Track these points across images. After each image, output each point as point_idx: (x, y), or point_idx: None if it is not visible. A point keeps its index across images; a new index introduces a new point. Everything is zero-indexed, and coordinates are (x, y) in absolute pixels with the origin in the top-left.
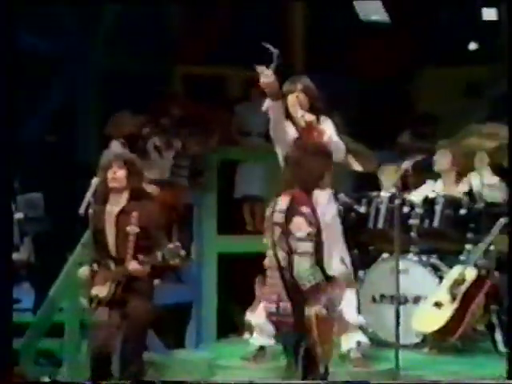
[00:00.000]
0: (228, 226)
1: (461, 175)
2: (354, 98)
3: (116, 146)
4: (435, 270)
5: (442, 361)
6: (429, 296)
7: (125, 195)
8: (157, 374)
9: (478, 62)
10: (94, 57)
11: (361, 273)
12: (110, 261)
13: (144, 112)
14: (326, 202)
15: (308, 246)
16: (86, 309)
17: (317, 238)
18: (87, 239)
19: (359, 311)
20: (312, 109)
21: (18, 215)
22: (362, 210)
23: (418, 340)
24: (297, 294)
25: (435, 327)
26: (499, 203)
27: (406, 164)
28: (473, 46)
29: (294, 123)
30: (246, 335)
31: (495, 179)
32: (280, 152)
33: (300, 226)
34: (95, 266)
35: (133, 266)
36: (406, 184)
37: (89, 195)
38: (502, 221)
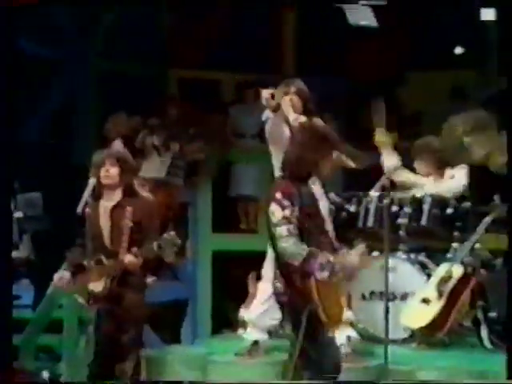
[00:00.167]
0: (222, 224)
1: (443, 172)
2: (343, 99)
3: (118, 146)
4: (423, 267)
5: (429, 355)
6: (417, 293)
7: (118, 192)
8: (153, 369)
9: (466, 66)
10: (92, 59)
11: None
12: (104, 256)
13: (141, 113)
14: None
15: (283, 230)
16: (84, 305)
17: (299, 220)
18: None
19: (350, 307)
20: (305, 110)
21: (18, 214)
22: (352, 209)
23: (406, 335)
24: (292, 273)
25: (423, 323)
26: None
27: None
28: (461, 49)
29: (288, 124)
30: (240, 331)
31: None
32: (274, 153)
33: (274, 212)
34: (92, 263)
35: (128, 258)
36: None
37: (86, 195)
38: (487, 220)
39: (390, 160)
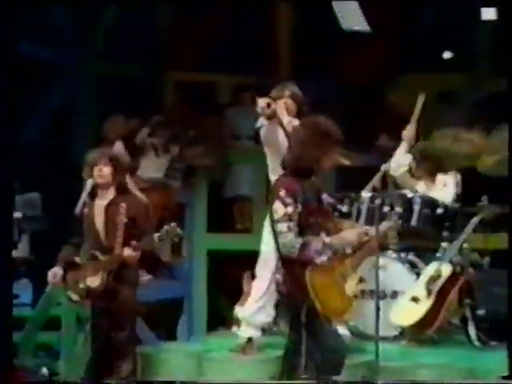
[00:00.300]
0: (217, 224)
1: (435, 177)
2: (336, 103)
3: (119, 147)
4: (413, 266)
5: (419, 352)
6: (406, 291)
7: (111, 190)
8: (149, 366)
9: (456, 69)
10: (91, 60)
11: None
12: (100, 253)
13: (139, 115)
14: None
15: (283, 226)
16: (79, 301)
17: (300, 217)
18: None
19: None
20: (299, 114)
21: (17, 214)
22: (345, 209)
23: (396, 333)
24: (291, 264)
25: (413, 321)
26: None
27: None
28: (451, 52)
29: (283, 127)
30: (235, 328)
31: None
32: (269, 154)
33: (277, 210)
34: (86, 259)
35: (126, 252)
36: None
37: (84, 195)
38: (475, 220)
39: (402, 157)
